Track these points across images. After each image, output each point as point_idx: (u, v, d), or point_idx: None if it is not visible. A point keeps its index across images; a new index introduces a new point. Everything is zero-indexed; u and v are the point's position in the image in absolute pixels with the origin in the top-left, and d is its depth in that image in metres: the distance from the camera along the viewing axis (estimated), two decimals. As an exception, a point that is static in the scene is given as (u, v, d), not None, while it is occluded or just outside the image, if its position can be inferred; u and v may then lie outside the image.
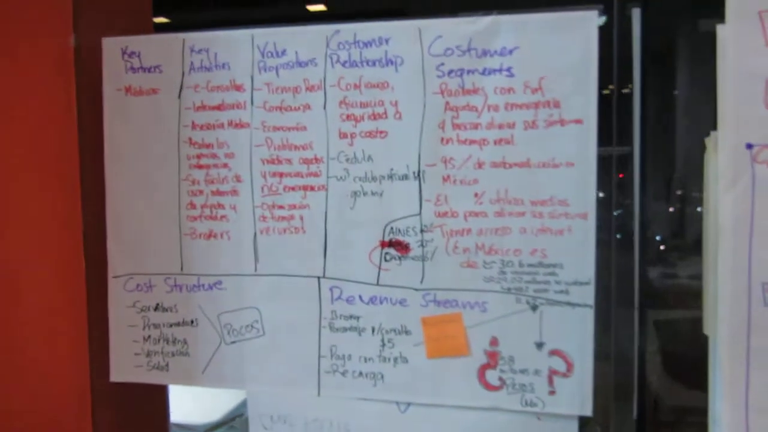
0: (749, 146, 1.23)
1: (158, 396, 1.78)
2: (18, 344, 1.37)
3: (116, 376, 1.55)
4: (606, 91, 1.33)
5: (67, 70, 1.53)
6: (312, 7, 6.07)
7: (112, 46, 1.54)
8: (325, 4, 5.95)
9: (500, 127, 1.34)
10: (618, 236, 1.38)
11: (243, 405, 2.37)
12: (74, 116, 1.53)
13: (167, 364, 1.54)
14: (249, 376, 1.50)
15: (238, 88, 1.47)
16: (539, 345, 1.35)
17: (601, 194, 1.28)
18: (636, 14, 1.32)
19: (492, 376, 1.38)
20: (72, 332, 1.53)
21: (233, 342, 1.50)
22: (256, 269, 1.48)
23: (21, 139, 1.41)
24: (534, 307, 1.34)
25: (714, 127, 1.25)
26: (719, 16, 1.21)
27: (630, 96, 1.34)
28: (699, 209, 1.29)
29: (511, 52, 1.33)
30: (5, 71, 1.36)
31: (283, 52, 1.45)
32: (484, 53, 1.34)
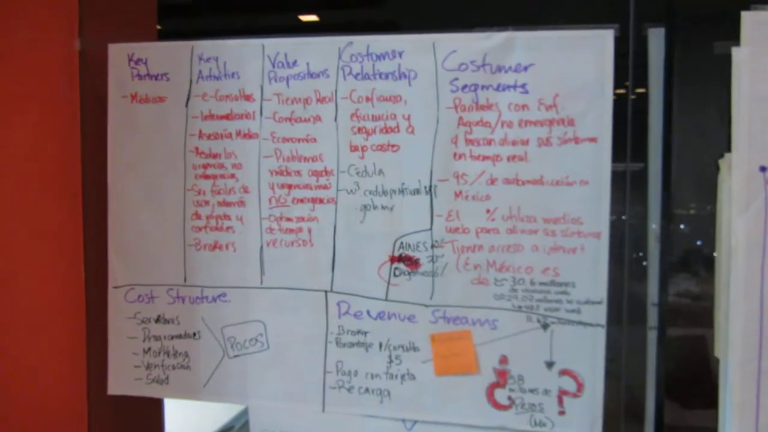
0: (763, 169, 1.24)
1: (154, 408, 1.74)
2: (14, 354, 1.33)
3: (114, 388, 1.52)
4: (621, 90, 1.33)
5: (71, 75, 1.51)
6: (305, 18, 6.10)
7: (118, 52, 1.51)
8: (318, 14, 5.98)
9: (514, 143, 1.34)
10: (635, 254, 1.37)
11: (236, 418, 2.34)
12: (77, 122, 1.51)
13: (167, 378, 1.50)
14: (252, 391, 1.47)
15: (248, 97, 1.46)
16: (549, 364, 1.33)
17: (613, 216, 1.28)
18: (652, 34, 1.32)
19: (501, 394, 1.36)
20: (70, 343, 1.49)
21: (236, 356, 1.47)
22: (261, 282, 1.45)
23: (22, 145, 1.38)
24: (545, 326, 1.33)
25: (728, 148, 1.25)
26: (735, 38, 1.22)
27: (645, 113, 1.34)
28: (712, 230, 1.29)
29: (525, 68, 1.33)
30: (8, 75, 1.33)
31: (295, 63, 1.43)
32: (499, 69, 1.34)
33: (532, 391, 1.34)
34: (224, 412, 2.40)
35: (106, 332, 1.52)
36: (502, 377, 1.36)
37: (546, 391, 1.33)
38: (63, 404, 1.47)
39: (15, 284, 1.36)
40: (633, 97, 1.38)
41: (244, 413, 2.12)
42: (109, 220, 1.51)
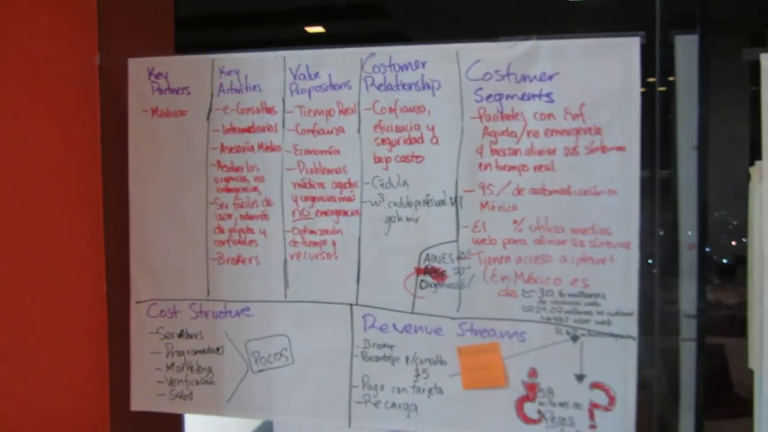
0: (795, 176, 1.22)
1: (175, 422, 1.73)
2: (37, 369, 1.32)
3: (137, 404, 1.50)
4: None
5: (91, 90, 1.50)
6: (311, 29, 6.13)
7: (138, 66, 1.51)
8: (324, 26, 6.01)
9: (540, 153, 1.32)
10: (664, 264, 1.35)
11: (257, 430, 2.31)
12: (98, 137, 1.50)
13: (191, 393, 1.49)
14: (277, 406, 1.45)
15: (269, 110, 1.45)
16: (580, 377, 1.31)
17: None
18: (680, 41, 1.31)
19: (530, 408, 1.33)
20: (92, 358, 1.48)
21: (261, 370, 1.46)
22: (285, 295, 1.44)
23: (44, 161, 1.37)
24: (575, 338, 1.31)
25: (758, 156, 1.23)
26: (764, 44, 1.20)
27: (673, 121, 1.33)
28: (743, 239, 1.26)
29: (551, 77, 1.31)
30: (30, 91, 1.33)
31: (316, 75, 1.42)
32: (524, 78, 1.33)
33: (562, 404, 1.32)
34: (244, 423, 2.38)
35: (128, 347, 1.50)
36: (531, 390, 1.33)
37: (577, 405, 1.31)
38: (86, 420, 1.46)
39: (38, 300, 1.35)
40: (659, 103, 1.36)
41: (265, 424, 2.10)
42: (131, 235, 1.50)
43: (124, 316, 1.50)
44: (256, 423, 2.30)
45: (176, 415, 1.69)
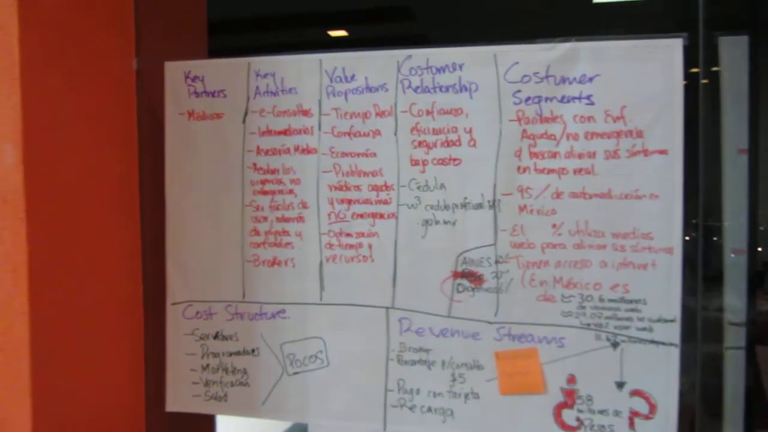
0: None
1: (207, 421, 1.74)
2: (74, 370, 1.33)
3: (173, 405, 1.51)
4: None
5: (128, 94, 1.52)
6: (334, 33, 6.14)
7: (174, 70, 1.52)
8: (347, 30, 6.01)
9: (580, 156, 1.30)
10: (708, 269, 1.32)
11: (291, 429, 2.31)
12: (135, 140, 1.52)
13: (226, 395, 1.49)
14: (312, 409, 1.45)
15: (305, 113, 1.45)
16: (620, 384, 1.29)
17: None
18: (724, 42, 1.28)
19: (569, 415, 1.32)
20: (129, 359, 1.49)
21: (296, 372, 1.45)
22: (321, 298, 1.44)
23: (83, 164, 1.38)
24: (615, 344, 1.29)
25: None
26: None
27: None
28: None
29: (591, 79, 1.30)
30: (68, 94, 1.34)
31: (353, 77, 1.42)
32: (563, 80, 1.31)
33: (601, 412, 1.29)
34: (275, 424, 2.38)
35: (163, 348, 1.51)
36: (569, 397, 1.31)
37: (616, 413, 1.29)
38: (122, 420, 1.47)
39: (76, 301, 1.36)
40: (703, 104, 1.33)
41: (297, 426, 2.10)
42: (168, 237, 1.51)
43: (160, 317, 1.51)
44: (287, 424, 2.30)
45: (209, 416, 1.70)
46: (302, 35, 5.83)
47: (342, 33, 6.14)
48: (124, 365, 1.48)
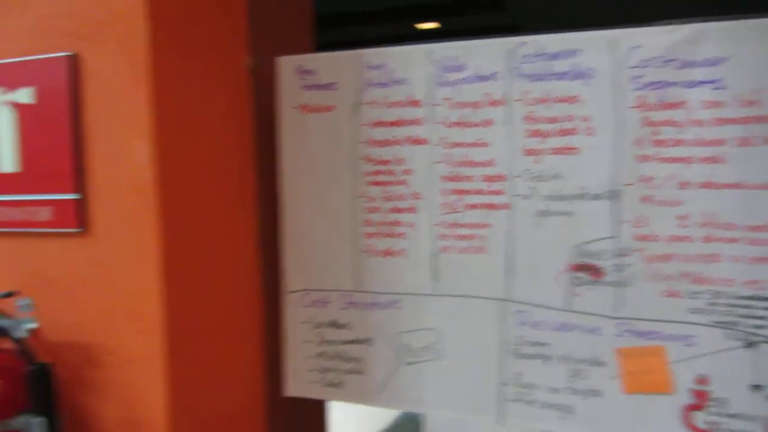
0: None
1: (320, 408, 1.79)
2: (203, 351, 1.40)
3: (291, 390, 1.57)
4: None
5: (243, 89, 1.56)
6: (423, 26, 6.07)
7: (287, 65, 1.55)
8: (439, 22, 5.93)
9: (708, 144, 1.23)
10: None
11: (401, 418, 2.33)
12: (250, 135, 1.56)
13: (341, 382, 1.53)
14: (426, 399, 1.46)
15: (416, 103, 1.45)
16: (756, 387, 1.21)
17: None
18: None
19: (699, 418, 1.25)
20: (250, 344, 1.55)
21: (410, 363, 1.47)
22: (435, 289, 1.44)
23: (205, 158, 1.44)
24: (749, 344, 1.21)
25: None
26: None
27: None
28: None
29: (718, 62, 1.22)
30: (192, 93, 1.40)
31: (463, 67, 1.40)
32: (687, 64, 1.24)
33: (734, 416, 1.23)
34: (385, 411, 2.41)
35: (280, 335, 1.57)
36: (700, 399, 1.25)
37: (752, 418, 1.21)
38: (243, 404, 1.54)
39: (203, 288, 1.42)
40: None
41: (407, 414, 2.12)
42: (284, 228, 1.56)
43: (277, 305, 1.57)
44: (395, 411, 2.33)
45: (321, 402, 1.75)
46: (390, 30, 5.82)
47: (431, 25, 6.08)
48: (247, 349, 1.54)
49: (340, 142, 1.52)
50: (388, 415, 2.33)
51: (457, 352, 1.43)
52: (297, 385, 1.57)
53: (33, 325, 1.29)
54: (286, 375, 1.57)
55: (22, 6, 1.39)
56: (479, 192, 1.40)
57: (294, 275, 1.56)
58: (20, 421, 1.23)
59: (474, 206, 1.40)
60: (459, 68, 1.41)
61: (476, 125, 1.40)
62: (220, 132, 1.50)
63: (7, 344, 1.29)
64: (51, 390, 1.25)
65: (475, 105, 1.40)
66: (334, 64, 1.52)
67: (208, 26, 1.47)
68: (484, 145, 1.39)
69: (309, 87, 1.54)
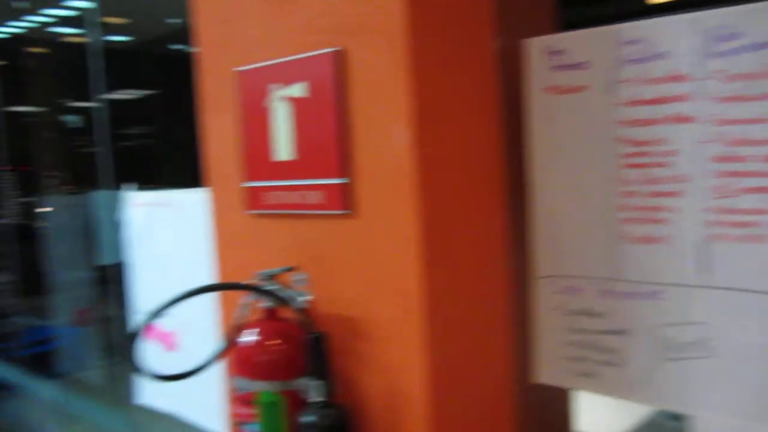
0: None
1: (563, 401, 1.75)
2: (453, 333, 1.43)
3: (542, 377, 1.54)
4: None
5: (491, 73, 1.56)
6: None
7: (534, 46, 1.53)
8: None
9: None
10: None
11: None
12: (498, 119, 1.56)
13: (595, 373, 1.47)
14: (694, 400, 1.35)
15: (681, 78, 1.33)
16: None
17: None
18: None
19: None
20: (498, 329, 1.56)
21: (674, 359, 1.37)
22: (705, 280, 1.32)
23: (458, 143, 1.47)
24: None
25: None
26: None
27: None
28: None
29: None
30: (441, 79, 1.43)
31: (737, 35, 1.26)
32: None
33: None
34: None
35: (528, 321, 1.55)
36: None
37: None
38: (495, 384, 1.54)
39: (454, 272, 1.45)
40: None
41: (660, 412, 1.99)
42: (533, 212, 1.54)
43: (524, 290, 1.55)
44: (650, 409, 2.19)
45: (565, 391, 1.70)
46: (618, 6, 5.48)
47: (664, -1, 5.64)
48: (497, 333, 1.55)
49: (594, 124, 1.45)
50: (637, 412, 2.21)
51: (733, 351, 1.30)
52: (548, 372, 1.54)
53: (308, 298, 1.42)
54: (537, 362, 1.55)
55: (293, 9, 1.53)
56: (760, 174, 1.25)
57: (544, 260, 1.53)
58: (301, 382, 1.36)
59: (753, 190, 1.26)
60: (733, 36, 1.27)
61: (755, 99, 1.25)
62: (469, 115, 1.52)
63: (288, 314, 1.43)
64: (326, 357, 1.36)
65: (753, 77, 1.25)
66: (587, 42, 1.46)
67: (459, 11, 1.50)
68: (765, 121, 1.24)
69: (558, 67, 1.50)
